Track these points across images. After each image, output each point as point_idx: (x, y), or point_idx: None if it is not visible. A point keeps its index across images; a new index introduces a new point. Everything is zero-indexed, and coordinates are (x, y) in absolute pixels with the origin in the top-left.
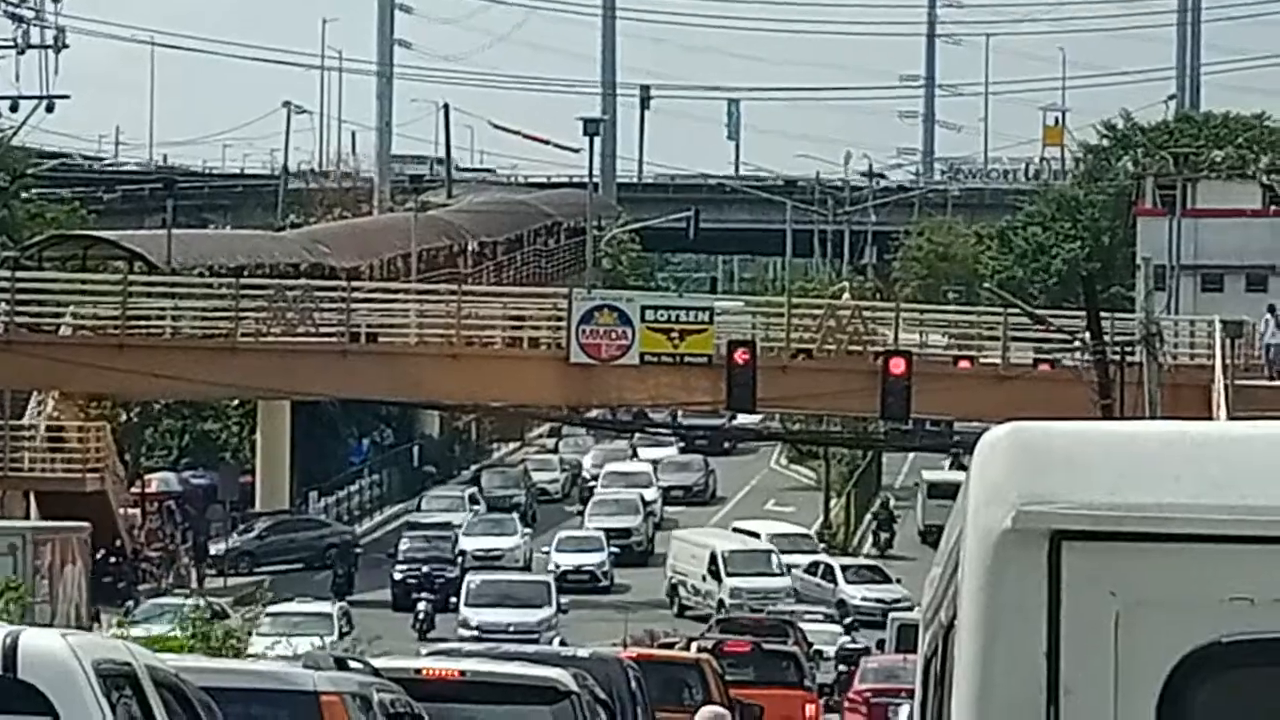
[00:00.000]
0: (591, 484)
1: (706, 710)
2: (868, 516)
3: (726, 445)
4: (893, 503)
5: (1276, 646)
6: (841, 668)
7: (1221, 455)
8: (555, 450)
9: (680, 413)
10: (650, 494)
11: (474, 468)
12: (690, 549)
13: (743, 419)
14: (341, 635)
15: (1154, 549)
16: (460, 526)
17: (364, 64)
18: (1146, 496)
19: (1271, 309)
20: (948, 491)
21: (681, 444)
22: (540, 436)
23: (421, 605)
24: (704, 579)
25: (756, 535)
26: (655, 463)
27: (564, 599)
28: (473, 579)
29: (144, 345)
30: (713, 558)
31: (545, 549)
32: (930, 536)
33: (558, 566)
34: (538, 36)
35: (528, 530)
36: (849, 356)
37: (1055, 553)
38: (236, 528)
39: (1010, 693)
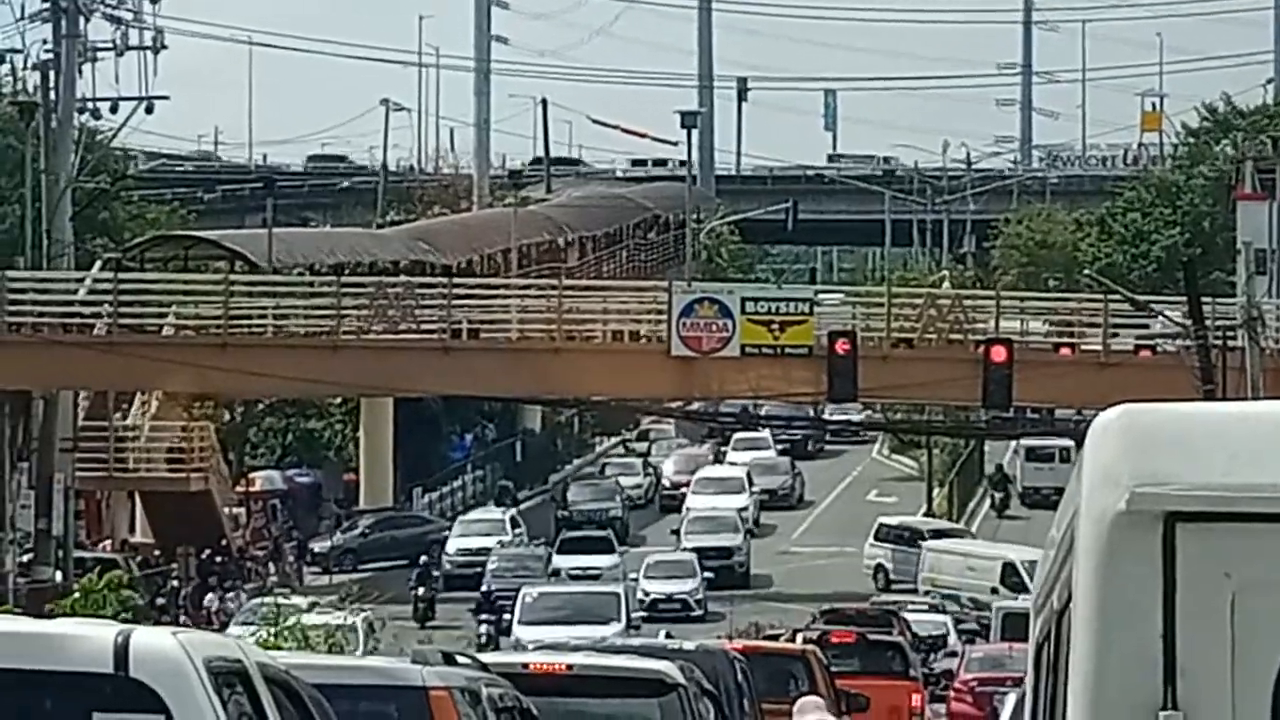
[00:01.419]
0: (672, 491)
1: (806, 700)
2: (984, 482)
3: (812, 448)
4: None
5: None
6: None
7: None
8: (647, 454)
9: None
10: (743, 500)
11: (554, 478)
12: (961, 560)
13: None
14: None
15: (1269, 529)
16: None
17: (461, 60)
18: (1260, 477)
19: None
20: (1045, 455)
21: (780, 447)
22: (622, 442)
23: (483, 628)
24: (993, 591)
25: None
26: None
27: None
28: (529, 591)
29: (246, 344)
30: (1009, 569)
31: (633, 574)
32: (1029, 498)
33: (647, 595)
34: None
35: (624, 548)
36: (949, 345)
37: (1170, 534)
38: (341, 525)
39: (1126, 675)
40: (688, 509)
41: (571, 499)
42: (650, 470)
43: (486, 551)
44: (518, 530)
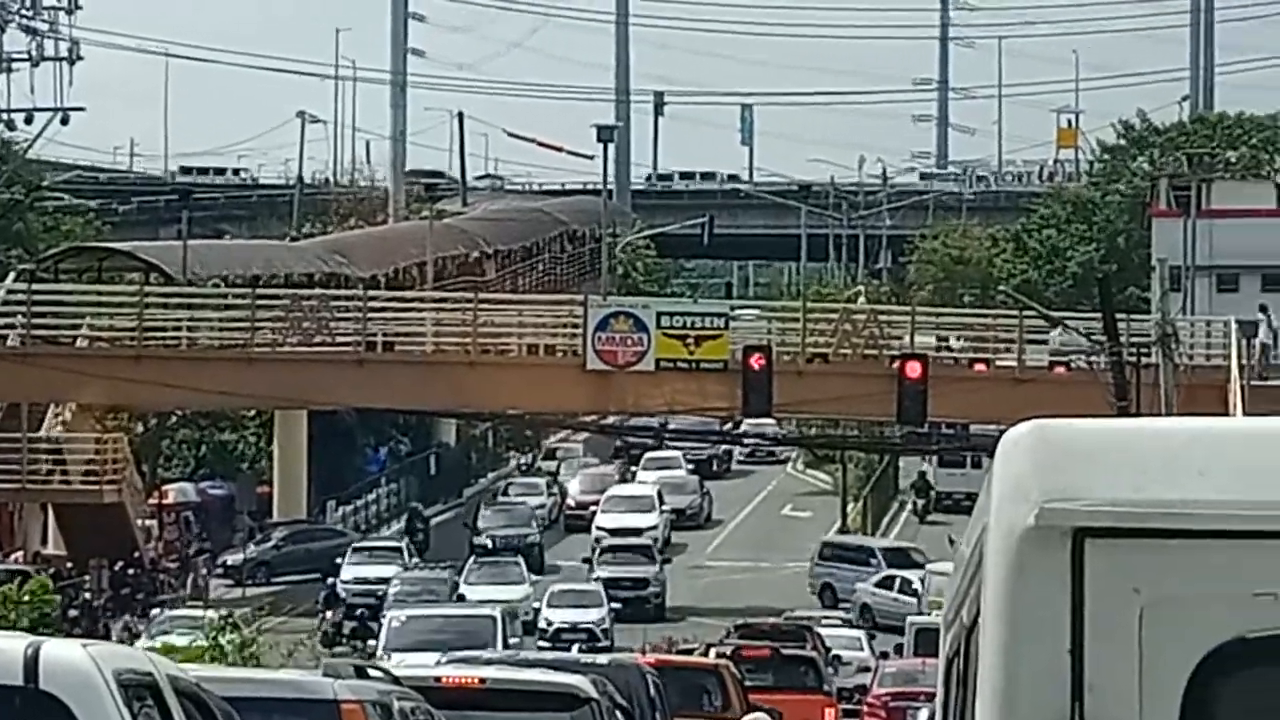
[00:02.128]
0: (578, 511)
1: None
2: (910, 488)
3: (719, 468)
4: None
5: None
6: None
7: (1245, 450)
8: (556, 473)
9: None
10: (653, 518)
11: (469, 492)
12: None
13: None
14: None
15: (1178, 545)
16: (390, 582)
17: (378, 73)
18: (1170, 492)
19: (1264, 309)
20: (957, 461)
21: (689, 467)
22: (518, 465)
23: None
24: None
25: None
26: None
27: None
28: (396, 615)
29: (160, 356)
30: None
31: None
32: (941, 503)
33: (550, 623)
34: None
35: (536, 578)
36: (864, 361)
37: (1079, 550)
38: (254, 538)
39: (1034, 691)
40: (597, 530)
41: (484, 524)
42: (555, 490)
43: (384, 581)
44: (414, 560)
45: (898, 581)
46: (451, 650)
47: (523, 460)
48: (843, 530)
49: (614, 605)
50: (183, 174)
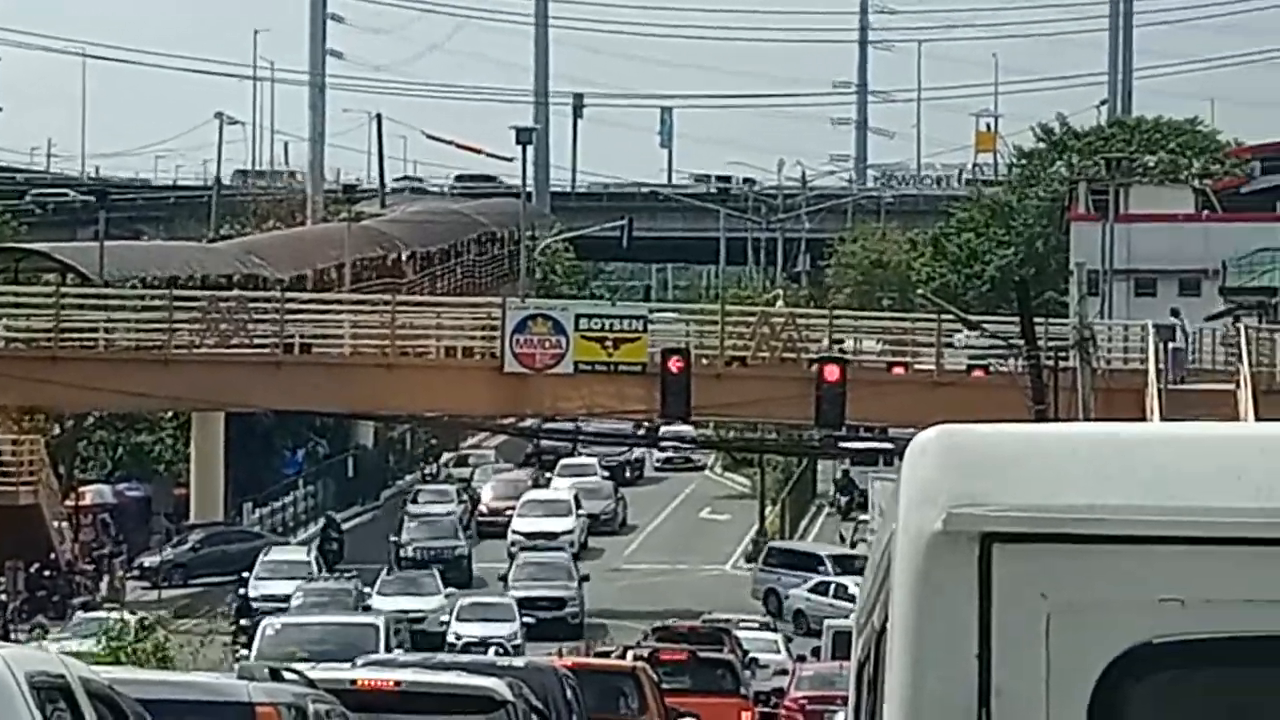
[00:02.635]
0: (491, 518)
1: None
2: (832, 483)
3: (631, 475)
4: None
5: (1207, 648)
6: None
7: (1153, 456)
8: (470, 479)
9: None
10: (569, 522)
11: (386, 494)
12: None
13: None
14: None
15: (1085, 551)
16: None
17: (296, 74)
18: (1077, 498)
19: (1175, 313)
20: (869, 460)
21: (604, 474)
22: (423, 474)
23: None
24: None
25: None
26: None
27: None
28: (271, 622)
29: (77, 358)
30: None
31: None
32: (857, 501)
33: (459, 638)
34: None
35: (451, 590)
36: (783, 364)
37: (986, 555)
38: (171, 540)
39: (941, 695)
40: (513, 534)
41: (408, 536)
42: (465, 497)
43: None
44: (323, 574)
45: (833, 587)
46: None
47: (428, 470)
48: (760, 533)
49: (527, 620)
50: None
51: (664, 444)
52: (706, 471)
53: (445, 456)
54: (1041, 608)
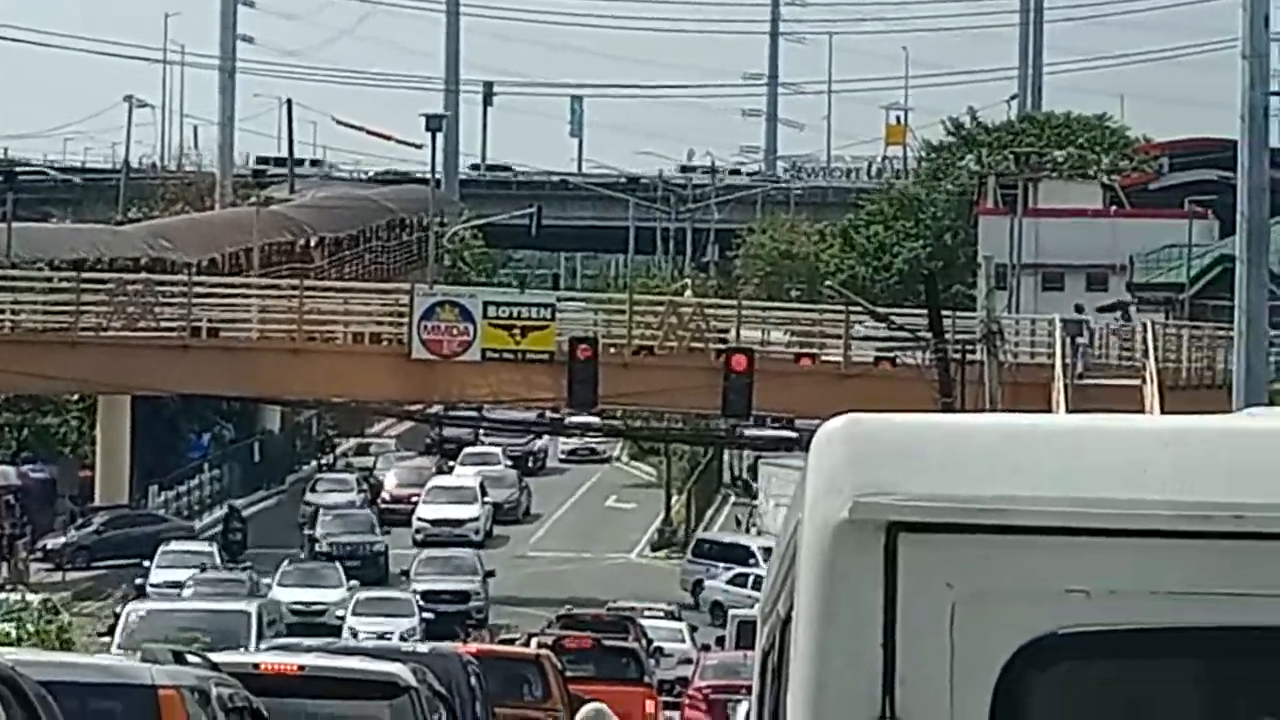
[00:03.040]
0: (393, 505)
1: (588, 709)
2: (744, 472)
3: (534, 465)
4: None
5: (1111, 639)
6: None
7: (1059, 448)
8: (372, 468)
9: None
10: (475, 510)
11: (292, 479)
12: None
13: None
14: None
15: (990, 541)
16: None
17: (207, 59)
18: (983, 489)
19: (1079, 309)
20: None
21: (512, 460)
22: (319, 465)
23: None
24: None
25: None
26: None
27: None
28: (135, 608)
29: None
30: None
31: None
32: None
33: (355, 633)
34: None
35: (354, 583)
36: (691, 353)
37: (892, 544)
38: (75, 522)
39: (846, 683)
40: (418, 520)
41: (324, 531)
42: (366, 485)
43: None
44: (235, 564)
45: (751, 579)
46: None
47: (324, 459)
48: (666, 522)
49: (427, 616)
50: None
51: (569, 430)
52: (613, 461)
53: (345, 445)
54: (947, 597)
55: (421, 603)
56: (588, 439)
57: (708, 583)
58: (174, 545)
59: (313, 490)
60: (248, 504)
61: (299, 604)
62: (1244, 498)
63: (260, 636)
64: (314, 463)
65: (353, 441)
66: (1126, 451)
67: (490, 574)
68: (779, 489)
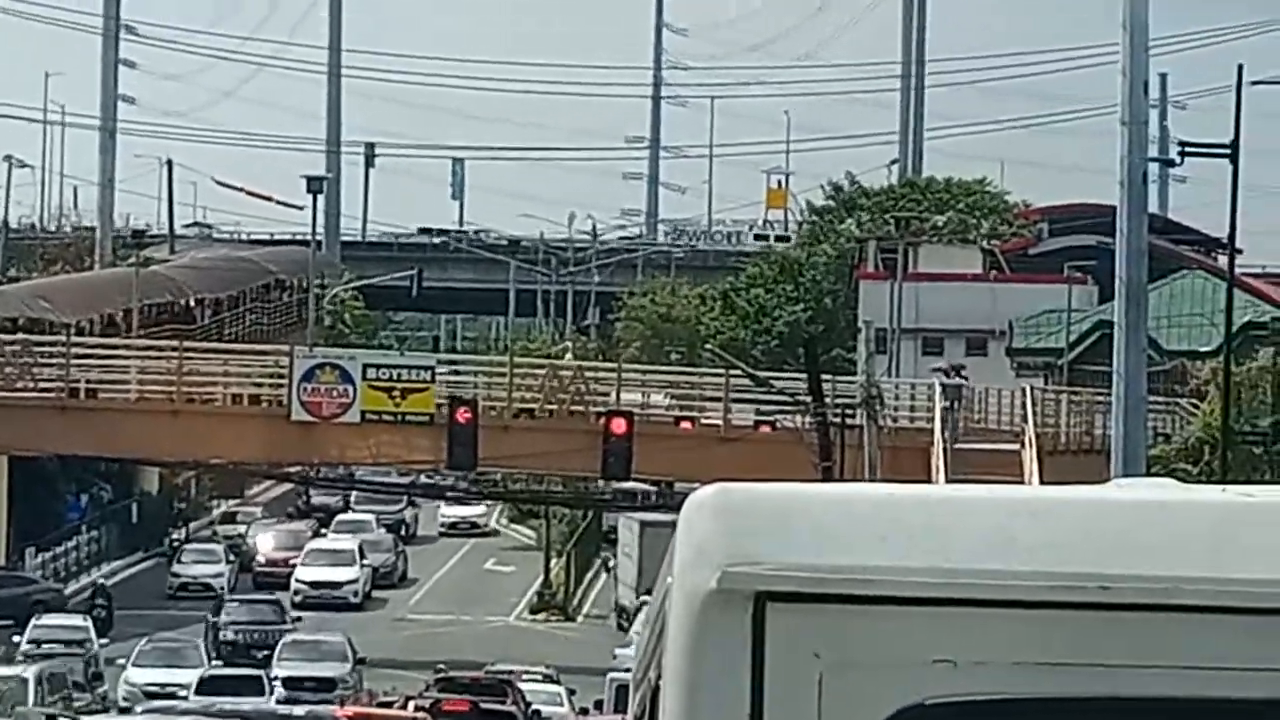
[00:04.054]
0: (269, 569)
1: None
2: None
3: (407, 534)
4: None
5: (978, 709)
6: None
7: (928, 518)
8: (244, 535)
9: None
10: (354, 572)
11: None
12: None
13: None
14: None
15: (858, 611)
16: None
17: (88, 118)
18: (851, 558)
19: (950, 371)
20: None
21: (385, 528)
22: (185, 536)
23: None
24: None
25: None
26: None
27: None
28: None
29: None
30: None
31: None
32: None
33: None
34: (264, 94)
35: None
36: (571, 416)
37: (760, 614)
38: None
39: None
40: (296, 583)
41: (228, 618)
42: (234, 557)
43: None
44: (104, 641)
45: None
46: None
47: (175, 537)
48: (545, 585)
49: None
50: None
51: (442, 493)
52: (492, 522)
53: (215, 512)
54: (815, 667)
55: (282, 691)
56: (467, 514)
57: (617, 651)
58: (48, 620)
59: (179, 561)
60: (126, 565)
61: (153, 684)
62: (1111, 569)
63: (40, 702)
64: (171, 535)
65: (218, 511)
66: (994, 521)
67: (362, 661)
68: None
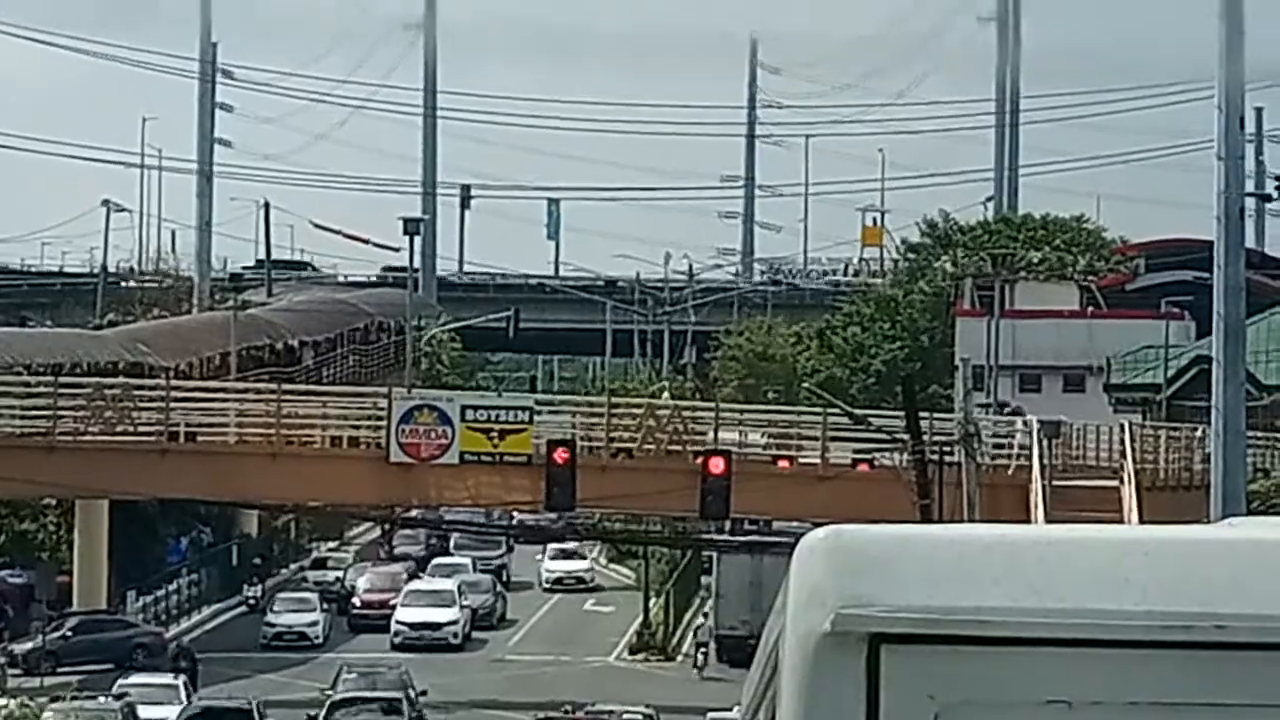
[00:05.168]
0: (364, 611)
1: None
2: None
3: (506, 580)
4: None
5: None
6: None
7: (1039, 559)
8: (341, 579)
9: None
10: (454, 613)
11: (271, 583)
12: None
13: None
14: None
15: (972, 652)
16: None
17: (184, 162)
18: (964, 600)
19: (1004, 407)
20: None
21: (483, 569)
22: (256, 596)
23: None
24: None
25: None
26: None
27: None
28: None
29: None
30: None
31: None
32: None
33: None
34: (359, 136)
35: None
36: (668, 456)
37: (874, 656)
38: (47, 627)
39: None
40: (397, 624)
41: (345, 682)
42: (327, 606)
43: None
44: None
45: None
46: None
47: (250, 594)
48: (645, 625)
49: None
50: None
51: (532, 534)
52: (589, 560)
53: (306, 560)
54: (929, 708)
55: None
56: (573, 569)
57: None
58: (139, 678)
59: (272, 610)
60: (225, 608)
61: None
62: (1224, 608)
63: None
64: (256, 585)
65: (308, 560)
66: (1107, 562)
67: (423, 693)
68: None
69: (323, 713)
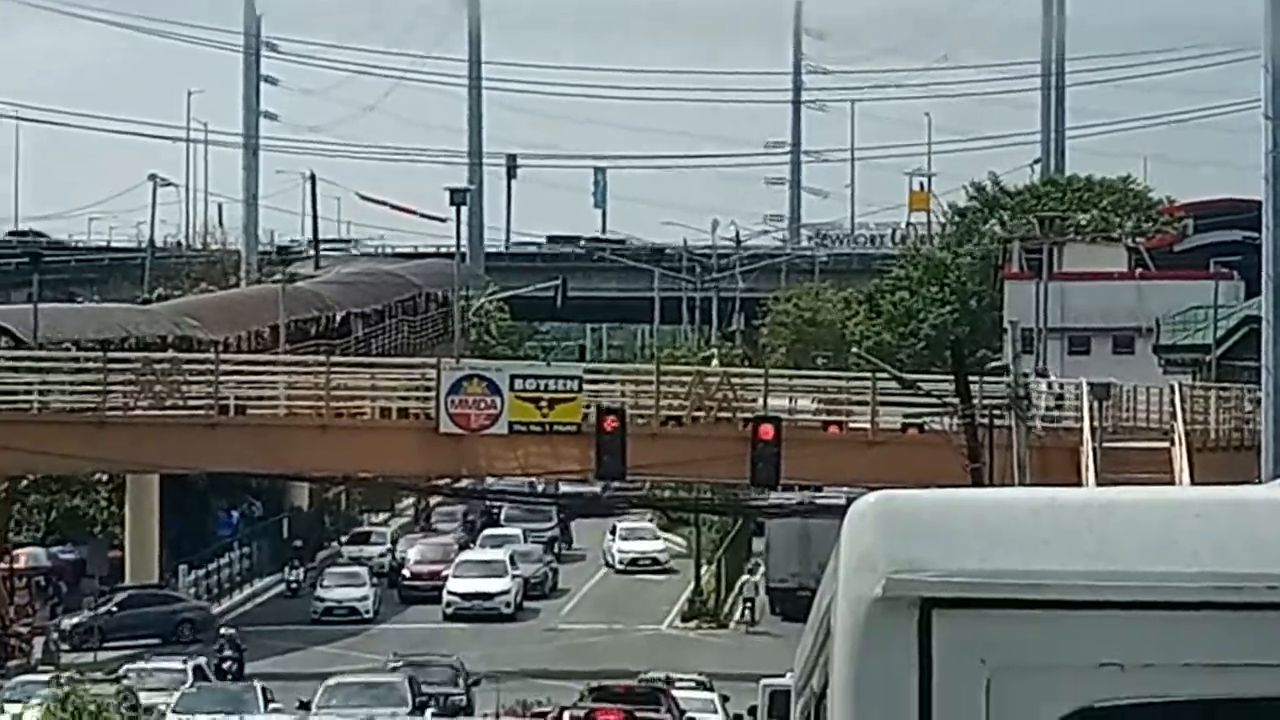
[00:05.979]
0: (414, 582)
1: None
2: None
3: (557, 550)
4: None
5: (1146, 712)
6: None
7: (1089, 522)
8: (392, 550)
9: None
10: (506, 583)
11: (322, 555)
12: None
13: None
14: None
15: (1024, 616)
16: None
17: (230, 136)
18: (1015, 563)
19: (1042, 373)
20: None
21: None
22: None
23: None
24: None
25: None
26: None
27: None
28: None
29: (11, 420)
30: None
31: None
32: None
33: None
34: (404, 108)
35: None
36: (718, 423)
37: (925, 620)
38: (96, 602)
39: None
40: (449, 595)
41: (423, 680)
42: (376, 580)
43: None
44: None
45: None
46: None
47: (291, 577)
48: (696, 593)
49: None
50: (11, 235)
51: (610, 496)
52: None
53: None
54: (981, 672)
55: None
56: (647, 549)
57: None
58: (153, 663)
59: (322, 585)
60: (278, 580)
61: None
62: (1277, 569)
63: None
64: (297, 568)
65: (345, 537)
66: (1158, 524)
67: (475, 682)
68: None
69: None
